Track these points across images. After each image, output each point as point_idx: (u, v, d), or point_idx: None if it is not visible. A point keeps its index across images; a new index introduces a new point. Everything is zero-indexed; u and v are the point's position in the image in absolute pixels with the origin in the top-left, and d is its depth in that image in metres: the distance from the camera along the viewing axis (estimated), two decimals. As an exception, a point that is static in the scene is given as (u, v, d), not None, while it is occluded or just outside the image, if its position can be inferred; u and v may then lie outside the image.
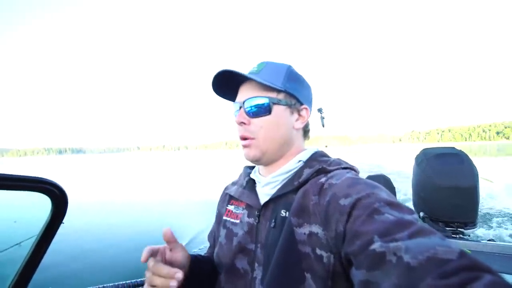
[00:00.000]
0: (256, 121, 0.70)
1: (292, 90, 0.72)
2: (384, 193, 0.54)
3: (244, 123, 0.71)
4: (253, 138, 0.71)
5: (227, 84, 0.73)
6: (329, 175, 0.66)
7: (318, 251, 0.57)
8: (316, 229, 0.59)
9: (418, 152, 2.02)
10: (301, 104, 0.75)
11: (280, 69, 0.73)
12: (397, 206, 0.50)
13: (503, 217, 5.28)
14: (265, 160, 0.73)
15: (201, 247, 4.61)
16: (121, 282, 1.19)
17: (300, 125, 0.75)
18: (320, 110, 0.83)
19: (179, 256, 0.66)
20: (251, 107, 0.70)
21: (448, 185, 1.80)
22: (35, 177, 0.70)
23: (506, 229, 4.66)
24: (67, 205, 0.75)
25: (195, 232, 5.42)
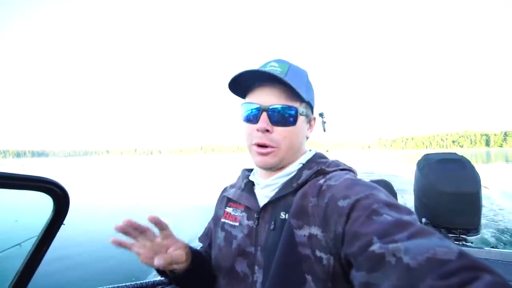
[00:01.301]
0: (280, 130, 0.67)
1: (311, 100, 0.72)
2: (382, 194, 0.54)
3: (268, 131, 0.67)
4: (274, 147, 0.68)
5: (237, 80, 0.69)
6: (327, 176, 0.66)
7: (318, 253, 0.57)
8: (316, 230, 0.59)
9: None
10: (313, 113, 0.76)
11: (303, 76, 0.72)
12: (396, 207, 0.50)
13: (506, 223, 5.30)
14: (278, 167, 0.72)
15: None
16: None
17: (309, 133, 0.76)
18: (321, 115, 0.82)
19: (178, 253, 0.63)
20: (278, 115, 0.66)
21: (450, 191, 1.79)
22: (37, 176, 0.69)
23: (509, 236, 4.70)
24: (68, 205, 0.75)
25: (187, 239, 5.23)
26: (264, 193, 0.73)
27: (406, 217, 0.47)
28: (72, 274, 3.93)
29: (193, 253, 0.70)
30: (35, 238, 0.74)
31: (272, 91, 0.67)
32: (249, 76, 0.66)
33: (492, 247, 2.13)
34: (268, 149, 0.68)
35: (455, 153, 1.89)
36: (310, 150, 0.79)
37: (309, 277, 0.57)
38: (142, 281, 1.26)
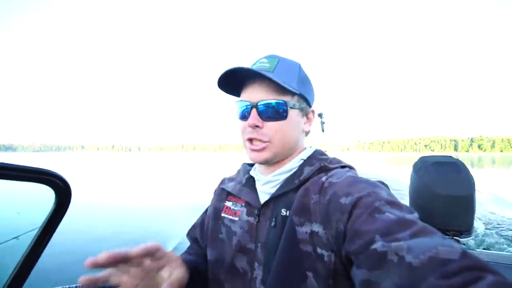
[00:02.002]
0: (271, 124, 0.67)
1: (305, 93, 0.71)
2: (384, 192, 0.54)
3: (258, 126, 0.67)
4: (266, 142, 0.68)
5: (229, 78, 0.69)
6: (329, 173, 0.66)
7: (319, 250, 0.57)
8: (317, 228, 0.59)
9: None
10: (310, 106, 0.74)
11: (294, 68, 0.70)
12: (398, 205, 0.51)
13: (496, 226, 5.47)
14: (273, 162, 0.72)
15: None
16: None
17: (307, 128, 0.75)
18: (320, 115, 0.81)
19: (179, 275, 0.57)
20: (267, 110, 0.66)
21: (445, 193, 1.81)
22: (40, 168, 0.69)
23: (501, 238, 4.80)
24: (70, 198, 0.75)
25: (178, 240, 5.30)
26: (265, 189, 0.72)
27: (408, 216, 0.47)
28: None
29: (187, 263, 0.65)
30: (36, 230, 0.74)
31: (261, 87, 0.67)
32: (237, 75, 0.67)
33: (484, 249, 2.20)
34: (261, 145, 0.68)
35: (450, 156, 1.92)
36: (310, 147, 0.78)
37: (310, 274, 0.57)
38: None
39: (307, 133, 0.78)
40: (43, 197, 0.73)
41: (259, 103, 0.67)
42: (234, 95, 0.74)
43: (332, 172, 0.66)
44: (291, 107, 0.68)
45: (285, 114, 0.67)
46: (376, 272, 0.42)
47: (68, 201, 0.75)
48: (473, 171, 1.91)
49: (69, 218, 0.79)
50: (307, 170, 0.68)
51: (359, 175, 0.64)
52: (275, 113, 0.67)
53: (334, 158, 0.73)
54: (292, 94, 0.68)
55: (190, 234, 0.90)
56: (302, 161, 0.72)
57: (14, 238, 0.78)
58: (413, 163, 1.99)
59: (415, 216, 0.48)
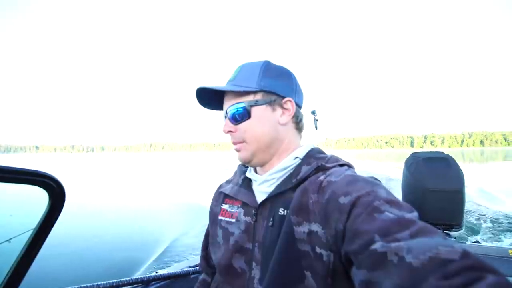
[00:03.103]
0: (240, 126, 0.72)
1: (268, 87, 0.72)
2: (383, 191, 0.54)
3: (231, 131, 0.73)
4: (241, 142, 0.72)
5: (213, 95, 0.75)
6: (327, 172, 0.65)
7: (318, 250, 0.57)
8: (316, 227, 0.59)
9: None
10: (283, 97, 0.73)
11: (255, 69, 0.73)
12: (397, 204, 0.50)
13: (484, 219, 5.63)
14: (257, 161, 0.73)
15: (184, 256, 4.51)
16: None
17: (286, 119, 0.74)
18: (313, 113, 0.82)
19: None
20: (232, 115, 0.72)
21: (436, 188, 1.85)
22: (32, 170, 0.68)
23: (490, 231, 4.97)
24: (64, 200, 0.74)
25: (171, 240, 5.30)
26: (262, 189, 0.72)
27: (408, 215, 0.47)
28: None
29: None
30: (30, 233, 0.72)
31: (227, 98, 0.74)
32: (209, 93, 0.74)
33: (474, 242, 2.29)
34: (238, 145, 0.73)
35: (441, 152, 1.97)
36: (307, 144, 0.78)
37: (308, 274, 0.57)
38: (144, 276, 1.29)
39: (298, 124, 0.77)
40: (35, 199, 0.72)
41: (227, 111, 0.73)
42: (221, 109, 0.79)
43: (331, 170, 0.66)
44: (252, 106, 0.70)
45: (247, 113, 0.70)
46: (376, 273, 0.42)
47: (62, 203, 0.74)
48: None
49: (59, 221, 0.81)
50: (305, 169, 0.68)
51: (358, 173, 0.65)
52: (239, 115, 0.71)
53: (332, 156, 0.72)
54: (254, 93, 0.71)
55: (202, 266, 0.90)
56: (298, 159, 0.72)
57: (6, 241, 0.76)
58: (405, 159, 2.02)
59: (414, 215, 0.48)
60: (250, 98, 0.71)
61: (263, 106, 0.71)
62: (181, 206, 8.29)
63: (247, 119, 0.71)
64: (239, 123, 0.71)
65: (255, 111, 0.71)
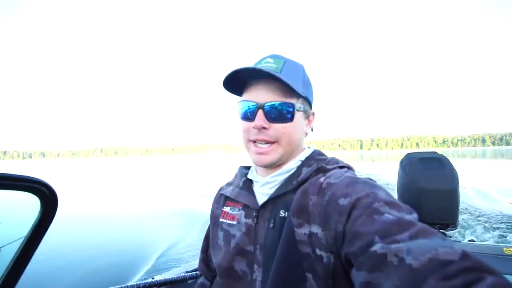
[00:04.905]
0: (277, 126, 0.67)
1: (309, 96, 0.71)
2: (383, 193, 0.54)
3: (265, 128, 0.66)
4: (273, 143, 0.68)
5: (232, 78, 0.68)
6: (327, 174, 0.66)
7: (318, 251, 0.57)
8: (316, 229, 0.59)
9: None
10: (311, 109, 0.75)
11: (299, 70, 0.71)
12: (397, 206, 0.51)
13: (477, 218, 5.69)
14: (277, 164, 0.71)
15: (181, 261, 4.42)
16: None
17: (308, 130, 0.75)
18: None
19: None
20: (274, 112, 0.66)
21: (430, 188, 1.87)
22: (24, 176, 0.67)
23: (485, 229, 5.03)
24: (57, 206, 0.72)
25: (166, 246, 5.19)
26: (263, 190, 0.72)
27: (408, 217, 0.47)
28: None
29: None
30: (21, 241, 0.71)
31: (268, 88, 0.66)
32: (244, 74, 0.66)
33: (470, 240, 2.31)
34: (268, 146, 0.68)
35: (435, 152, 1.99)
36: (309, 147, 0.78)
37: (309, 275, 0.57)
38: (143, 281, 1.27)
39: (306, 134, 0.78)
40: (26, 205, 0.71)
41: (266, 104, 0.66)
42: (237, 94, 0.74)
43: (331, 172, 0.66)
44: (297, 110, 0.68)
45: (291, 116, 0.67)
46: (376, 274, 0.42)
47: (55, 209, 0.72)
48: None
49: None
50: (305, 171, 0.68)
51: (357, 175, 0.65)
52: (282, 115, 0.66)
53: (332, 158, 0.72)
54: (298, 96, 0.68)
55: (201, 251, 0.89)
56: (301, 162, 0.72)
57: None
58: (400, 160, 2.04)
59: (414, 216, 0.48)
60: (295, 101, 0.67)
61: (302, 113, 0.70)
62: (173, 211, 8.23)
63: (288, 122, 0.67)
64: (277, 122, 0.66)
65: (297, 116, 0.68)
